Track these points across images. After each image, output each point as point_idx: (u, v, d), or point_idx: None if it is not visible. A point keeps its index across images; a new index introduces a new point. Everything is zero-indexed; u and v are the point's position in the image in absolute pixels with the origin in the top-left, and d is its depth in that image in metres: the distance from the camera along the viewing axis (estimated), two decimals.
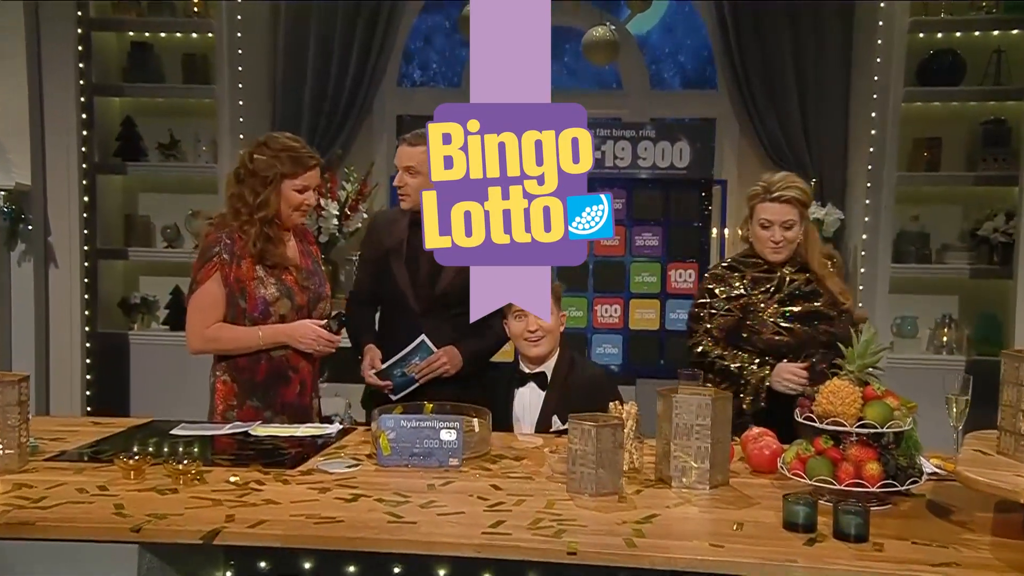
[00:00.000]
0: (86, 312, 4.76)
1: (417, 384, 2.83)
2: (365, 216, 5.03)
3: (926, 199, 4.85)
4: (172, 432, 2.52)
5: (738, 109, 5.14)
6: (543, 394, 2.75)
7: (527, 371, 2.78)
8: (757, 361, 2.74)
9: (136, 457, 2.10)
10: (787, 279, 2.80)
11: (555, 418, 2.67)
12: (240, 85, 4.86)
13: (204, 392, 4.66)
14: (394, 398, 2.81)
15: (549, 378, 2.76)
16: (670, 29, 5.60)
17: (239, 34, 4.84)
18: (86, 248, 4.76)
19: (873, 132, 4.73)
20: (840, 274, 2.89)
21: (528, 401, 2.76)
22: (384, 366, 2.83)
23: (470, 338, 2.87)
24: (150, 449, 2.33)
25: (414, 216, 2.90)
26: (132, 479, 2.04)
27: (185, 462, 2.06)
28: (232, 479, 2.04)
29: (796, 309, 2.75)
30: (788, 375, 2.67)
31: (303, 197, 2.68)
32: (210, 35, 4.91)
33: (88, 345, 4.77)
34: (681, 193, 4.34)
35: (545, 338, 2.75)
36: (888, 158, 4.66)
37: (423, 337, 2.81)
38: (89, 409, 4.71)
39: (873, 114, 4.72)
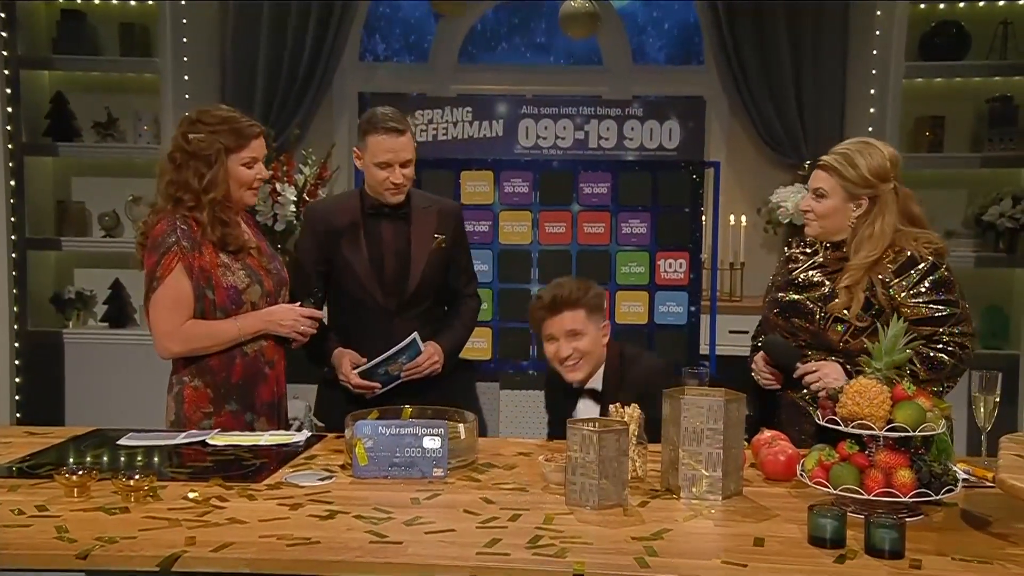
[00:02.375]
0: (14, 309, 4.58)
1: (399, 382, 2.76)
2: None
3: (928, 182, 4.83)
4: (119, 442, 2.41)
5: (727, 86, 5.12)
6: (599, 407, 2.68)
7: (576, 387, 2.73)
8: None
9: (80, 472, 1.99)
10: (807, 261, 2.59)
11: None
12: (185, 58, 4.72)
13: (152, 397, 4.49)
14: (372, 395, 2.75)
15: (601, 391, 2.70)
16: None
17: (183, 1, 4.69)
18: (13, 238, 4.57)
19: (872, 110, 4.73)
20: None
21: (588, 414, 2.68)
22: (368, 365, 2.74)
23: (443, 332, 2.86)
24: (96, 462, 2.22)
25: (368, 205, 2.81)
26: (76, 497, 1.94)
27: (136, 477, 1.96)
28: (191, 495, 1.95)
29: (782, 296, 2.57)
30: (753, 363, 2.62)
31: (253, 172, 2.59)
32: (150, 2, 4.76)
33: (17, 345, 4.60)
34: (670, 176, 4.27)
35: (582, 360, 2.68)
36: (888, 138, 4.64)
37: (415, 335, 2.74)
38: (19, 416, 4.55)
39: (872, 91, 4.72)
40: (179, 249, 2.49)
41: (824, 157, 2.51)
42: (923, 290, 2.38)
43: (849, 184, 2.44)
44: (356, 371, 2.74)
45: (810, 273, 2.56)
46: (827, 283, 2.50)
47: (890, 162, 2.45)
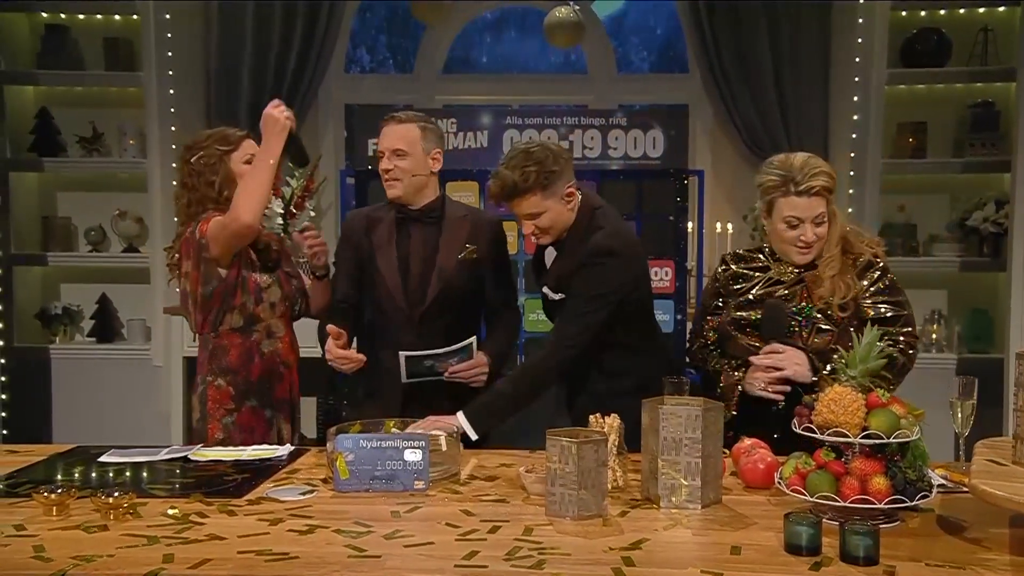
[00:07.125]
0: (0, 325, 4.58)
1: (438, 379, 2.75)
2: (312, 214, 4.92)
3: (912, 188, 4.89)
4: (101, 459, 2.40)
5: (711, 93, 5.14)
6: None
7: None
8: (736, 363, 2.56)
9: (59, 490, 1.98)
10: (762, 278, 2.54)
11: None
12: (170, 72, 4.74)
13: (140, 412, 4.49)
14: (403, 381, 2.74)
15: (560, 248, 2.69)
16: (638, 8, 5.58)
17: (167, 15, 4.72)
18: None
19: (856, 117, 4.76)
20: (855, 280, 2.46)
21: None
22: (419, 353, 2.73)
23: (487, 345, 2.84)
24: (75, 480, 2.21)
25: (400, 212, 2.83)
26: (54, 516, 1.93)
27: (116, 494, 1.95)
28: (170, 511, 1.95)
29: (749, 314, 2.52)
30: (755, 376, 2.47)
31: None
32: (135, 16, 4.79)
33: (2, 362, 4.60)
34: (654, 185, 4.30)
35: (543, 234, 2.63)
36: (872, 144, 4.69)
37: (472, 340, 2.76)
38: (5, 433, 4.54)
39: (855, 97, 4.75)
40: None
41: (812, 182, 2.38)
42: (878, 290, 2.48)
43: (832, 198, 2.47)
44: (404, 354, 2.73)
45: (771, 290, 2.52)
46: (795, 293, 2.51)
47: None
